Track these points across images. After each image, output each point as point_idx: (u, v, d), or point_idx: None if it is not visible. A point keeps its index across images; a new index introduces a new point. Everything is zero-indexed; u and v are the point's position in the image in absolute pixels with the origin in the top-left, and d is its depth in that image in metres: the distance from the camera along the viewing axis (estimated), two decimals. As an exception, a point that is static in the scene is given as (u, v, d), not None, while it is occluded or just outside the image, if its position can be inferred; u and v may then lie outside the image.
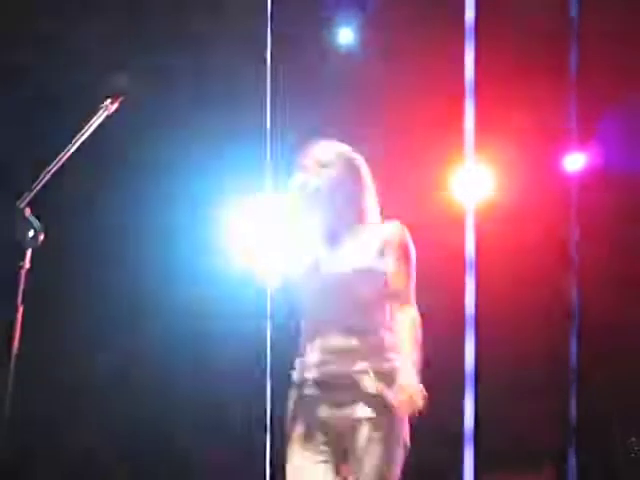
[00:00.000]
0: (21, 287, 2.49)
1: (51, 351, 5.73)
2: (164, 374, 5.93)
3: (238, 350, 5.81)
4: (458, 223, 5.67)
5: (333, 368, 2.92)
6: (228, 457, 5.96)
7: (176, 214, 5.94)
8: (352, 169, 3.06)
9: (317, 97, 6.03)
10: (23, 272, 2.52)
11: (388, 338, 2.95)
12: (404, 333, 2.91)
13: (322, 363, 2.94)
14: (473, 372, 5.43)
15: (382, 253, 2.97)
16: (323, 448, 2.93)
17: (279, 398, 5.06)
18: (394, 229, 3.02)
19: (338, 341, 2.92)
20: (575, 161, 5.97)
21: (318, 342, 2.95)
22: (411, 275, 3.00)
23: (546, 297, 5.78)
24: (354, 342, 2.91)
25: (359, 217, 3.06)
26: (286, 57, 5.78)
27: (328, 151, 3.07)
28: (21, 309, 2.51)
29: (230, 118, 5.93)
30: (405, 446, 2.93)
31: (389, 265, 2.96)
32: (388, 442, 2.88)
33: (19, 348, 2.52)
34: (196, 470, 6.05)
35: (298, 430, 2.97)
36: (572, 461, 5.72)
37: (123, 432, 5.92)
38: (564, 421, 5.75)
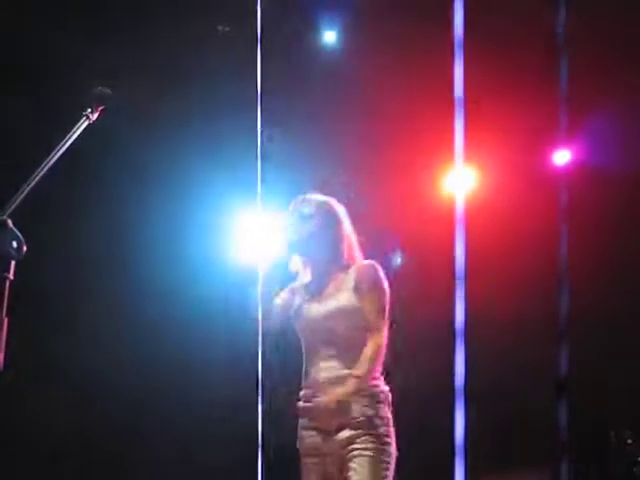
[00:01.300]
0: (5, 299, 2.48)
1: (43, 358, 5.73)
2: (154, 384, 5.93)
3: (230, 367, 5.84)
4: (448, 221, 5.69)
5: (321, 398, 3.23)
6: (218, 465, 5.97)
7: (165, 222, 5.94)
8: (331, 220, 3.41)
9: (306, 99, 6.05)
10: (7, 284, 2.50)
11: None
12: (366, 355, 3.22)
13: (312, 394, 3.28)
14: (463, 330, 5.52)
15: (355, 290, 3.30)
16: (321, 468, 3.26)
17: (270, 416, 5.11)
18: (364, 268, 3.37)
19: (325, 373, 3.25)
20: (563, 157, 5.99)
21: (309, 375, 3.31)
22: (380, 307, 3.31)
23: (536, 295, 5.79)
24: (339, 373, 3.23)
25: (338, 262, 3.39)
26: (275, 62, 5.80)
27: (309, 204, 3.41)
28: (6, 321, 2.50)
29: (221, 120, 5.94)
30: (394, 457, 3.22)
31: (361, 300, 3.28)
32: (377, 459, 3.17)
33: (5, 358, 2.51)
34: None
35: (301, 455, 3.34)
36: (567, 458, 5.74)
37: (114, 438, 5.92)
38: (558, 419, 5.76)
